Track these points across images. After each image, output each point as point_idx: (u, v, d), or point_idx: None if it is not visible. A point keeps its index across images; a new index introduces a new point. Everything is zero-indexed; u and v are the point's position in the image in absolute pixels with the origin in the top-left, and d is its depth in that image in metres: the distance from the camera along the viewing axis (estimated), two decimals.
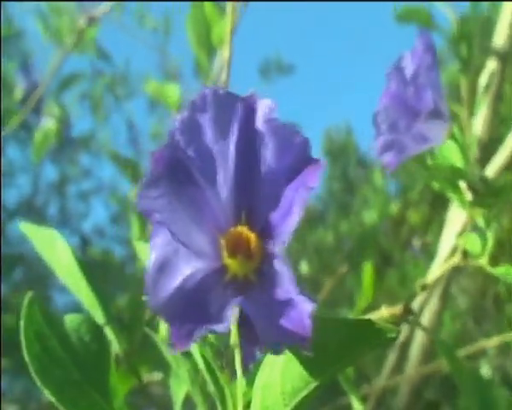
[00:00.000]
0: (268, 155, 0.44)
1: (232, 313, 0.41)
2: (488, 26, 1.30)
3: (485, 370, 3.02)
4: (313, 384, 0.45)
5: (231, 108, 0.45)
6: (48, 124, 1.61)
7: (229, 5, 0.99)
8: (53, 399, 0.52)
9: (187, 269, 0.44)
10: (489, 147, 1.27)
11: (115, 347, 0.72)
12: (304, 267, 3.83)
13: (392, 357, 1.40)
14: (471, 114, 1.24)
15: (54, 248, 0.71)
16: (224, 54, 1.01)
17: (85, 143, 2.71)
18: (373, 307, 0.72)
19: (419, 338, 1.33)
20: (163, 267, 0.44)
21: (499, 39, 1.23)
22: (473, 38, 1.20)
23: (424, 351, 1.32)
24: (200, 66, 1.23)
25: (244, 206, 0.45)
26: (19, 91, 1.65)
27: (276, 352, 0.42)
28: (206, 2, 1.21)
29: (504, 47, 1.23)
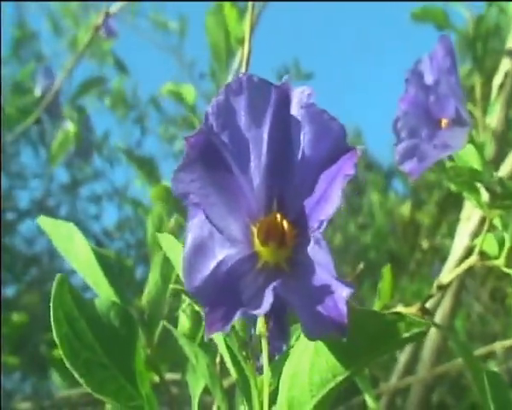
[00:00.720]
0: (303, 141, 0.44)
1: (269, 299, 0.41)
2: (502, 27, 1.30)
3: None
4: (342, 377, 0.45)
5: (266, 94, 0.45)
6: (68, 127, 1.62)
7: (249, 6, 1.00)
8: (81, 380, 0.53)
9: (221, 254, 0.44)
10: (503, 146, 1.28)
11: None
12: None
13: (403, 357, 1.40)
14: (485, 113, 1.25)
15: (72, 243, 0.71)
16: (242, 54, 1.01)
17: (99, 145, 2.72)
18: (387, 306, 0.73)
19: (431, 339, 1.33)
20: (198, 250, 0.44)
21: None
22: (488, 38, 1.21)
23: (436, 352, 1.32)
24: (218, 67, 1.24)
25: (277, 193, 0.45)
26: (35, 94, 1.66)
27: (313, 337, 0.42)
28: (225, 4, 1.22)
29: None
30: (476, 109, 1.25)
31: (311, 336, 0.42)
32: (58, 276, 0.54)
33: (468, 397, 2.54)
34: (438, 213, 3.36)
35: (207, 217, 0.44)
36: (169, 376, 1.19)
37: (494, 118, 1.26)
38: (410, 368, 1.40)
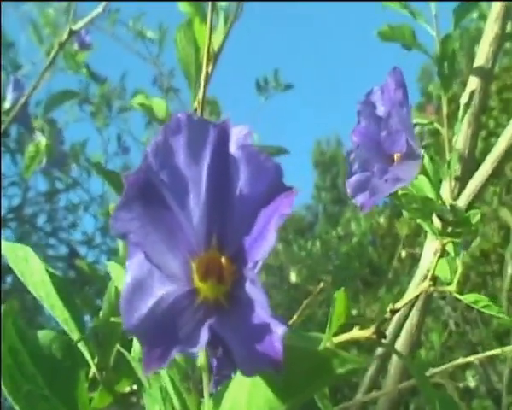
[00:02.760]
0: (241, 180, 0.45)
1: (205, 336, 0.42)
2: (470, 43, 1.32)
3: (471, 381, 3.03)
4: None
5: (204, 133, 0.46)
6: (39, 139, 1.62)
7: (208, 18, 1.00)
8: None
9: (160, 291, 0.44)
10: (469, 164, 1.29)
11: (90, 364, 0.73)
12: (292, 277, 3.83)
13: (370, 372, 1.41)
14: (452, 131, 1.27)
15: (27, 266, 0.71)
16: (204, 71, 1.02)
17: (76, 155, 2.72)
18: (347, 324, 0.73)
19: (395, 358, 1.34)
20: (137, 288, 0.44)
21: (481, 57, 1.25)
22: (455, 58, 1.22)
23: (402, 366, 1.33)
24: (188, 82, 1.24)
25: (215, 230, 0.46)
26: (7, 102, 1.66)
27: (248, 375, 0.43)
28: (194, 20, 1.22)
29: (486, 65, 1.25)
30: (443, 128, 1.26)
31: (247, 373, 0.43)
32: (3, 308, 0.55)
33: None
34: (415, 222, 3.37)
35: (146, 256, 0.44)
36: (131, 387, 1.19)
37: (460, 137, 1.27)
38: (376, 383, 1.41)
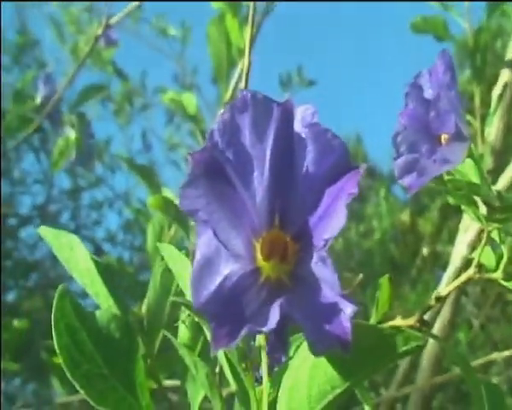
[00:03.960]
0: (307, 158, 0.45)
1: (276, 315, 0.42)
2: (502, 37, 1.31)
3: (494, 380, 3.02)
4: (340, 389, 0.46)
5: (269, 111, 0.46)
6: (69, 134, 1.62)
7: (249, 17, 1.00)
8: (81, 391, 0.54)
9: (225, 269, 0.45)
10: (502, 157, 1.28)
11: None
12: None
13: (402, 367, 1.41)
14: (484, 124, 1.26)
15: (72, 253, 0.71)
16: (243, 64, 1.02)
17: (100, 152, 2.73)
18: (386, 316, 0.73)
19: (430, 348, 1.33)
20: (205, 266, 0.44)
21: None
22: (487, 50, 1.22)
23: (435, 360, 1.32)
24: (219, 76, 1.25)
25: (278, 209, 0.46)
26: (36, 100, 1.66)
27: (318, 354, 0.43)
28: (226, 14, 1.23)
29: None
30: (475, 120, 1.25)
31: (316, 353, 0.43)
32: (60, 287, 0.55)
33: (469, 404, 2.55)
34: (439, 219, 3.36)
35: (214, 233, 0.45)
36: (168, 382, 1.19)
37: (493, 129, 1.26)
38: (409, 377, 1.40)
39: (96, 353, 0.56)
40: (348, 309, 0.41)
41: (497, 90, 1.24)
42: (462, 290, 1.34)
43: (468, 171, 0.67)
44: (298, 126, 0.45)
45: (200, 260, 0.45)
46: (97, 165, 2.82)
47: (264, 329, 0.42)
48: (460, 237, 1.29)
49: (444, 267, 1.36)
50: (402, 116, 0.68)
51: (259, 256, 0.46)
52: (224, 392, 0.68)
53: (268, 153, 0.46)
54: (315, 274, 0.43)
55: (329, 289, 0.42)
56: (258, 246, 0.46)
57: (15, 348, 1.66)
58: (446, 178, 0.66)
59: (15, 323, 1.62)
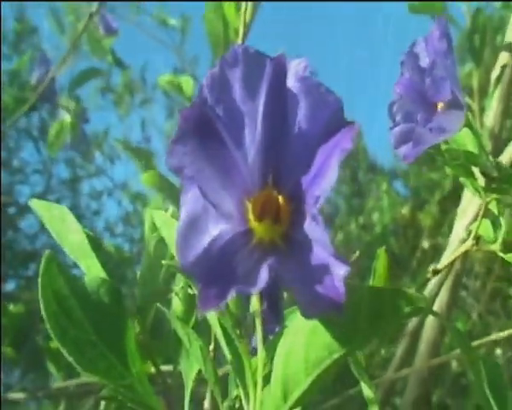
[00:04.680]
0: (299, 115, 0.43)
1: (264, 276, 0.41)
2: (501, 21, 1.30)
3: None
4: (338, 354, 0.45)
5: (261, 66, 0.44)
6: (63, 118, 1.62)
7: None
8: (70, 358, 0.52)
9: (215, 229, 0.43)
10: (500, 140, 1.27)
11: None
12: None
13: (401, 349, 1.40)
14: (482, 107, 1.25)
15: (64, 225, 0.70)
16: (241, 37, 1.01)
17: (99, 141, 2.72)
18: None
19: (428, 332, 1.33)
20: (193, 226, 0.43)
21: (511, 33, 1.24)
22: (486, 31, 1.21)
23: (433, 345, 1.32)
24: (215, 56, 1.24)
25: (272, 168, 0.44)
26: (32, 81, 1.66)
27: (310, 317, 0.42)
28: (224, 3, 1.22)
29: None
30: (473, 103, 1.25)
31: (308, 315, 0.42)
32: (46, 253, 0.54)
33: (468, 397, 2.54)
34: (439, 213, 3.35)
35: (202, 191, 0.43)
36: (164, 368, 1.18)
37: (491, 112, 1.25)
38: (406, 362, 1.39)
39: (84, 319, 0.55)
40: (341, 270, 0.40)
41: (495, 73, 1.23)
42: (460, 279, 1.32)
43: (466, 141, 0.67)
44: (291, 81, 0.44)
45: (187, 218, 0.43)
46: (96, 155, 2.82)
47: (254, 289, 0.41)
48: (457, 220, 1.29)
49: None
50: (397, 85, 0.67)
51: (251, 217, 0.45)
52: (220, 372, 0.67)
53: (260, 109, 0.44)
54: (307, 235, 0.42)
55: (321, 250, 0.41)
56: (249, 206, 0.45)
57: (14, 333, 1.65)
58: (443, 147, 0.65)
59: (11, 308, 1.62)
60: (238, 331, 0.51)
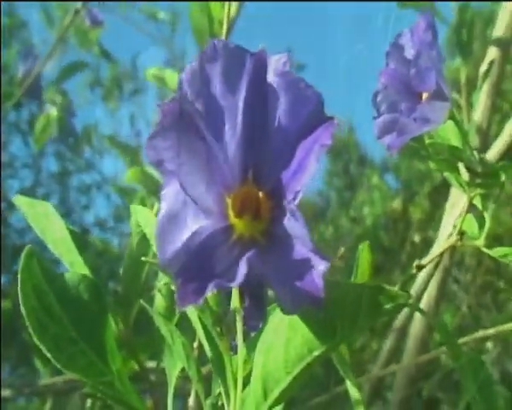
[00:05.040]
0: (279, 110, 0.43)
1: (243, 270, 0.40)
2: (489, 15, 1.30)
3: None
4: (318, 352, 0.45)
5: (241, 61, 0.44)
6: (49, 111, 1.61)
7: None
8: (49, 355, 0.52)
9: (194, 225, 0.43)
10: (488, 136, 1.27)
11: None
12: None
13: (388, 345, 1.40)
14: (470, 102, 1.25)
15: (47, 222, 0.70)
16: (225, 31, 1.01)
17: (88, 136, 2.71)
18: None
19: (416, 326, 1.32)
20: (172, 220, 0.43)
21: (500, 28, 1.23)
22: (473, 26, 1.20)
23: (421, 342, 1.31)
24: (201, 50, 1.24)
25: (252, 164, 0.44)
26: (18, 75, 1.65)
27: (289, 312, 0.42)
28: None
29: (505, 36, 1.22)
30: (461, 98, 1.24)
31: (288, 311, 0.41)
32: (26, 248, 0.54)
33: (457, 393, 2.54)
34: (429, 206, 3.36)
35: (182, 186, 0.43)
36: (148, 364, 1.18)
37: (479, 108, 1.25)
38: (393, 359, 1.39)
39: (64, 315, 0.54)
40: (320, 265, 0.40)
41: (483, 68, 1.23)
42: (448, 273, 1.32)
43: (450, 134, 0.66)
44: (271, 77, 0.44)
45: (166, 213, 0.43)
46: (86, 149, 2.81)
47: (233, 284, 0.41)
48: (446, 216, 1.28)
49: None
50: (382, 75, 0.67)
51: (231, 213, 0.44)
52: (204, 370, 0.67)
53: (240, 105, 0.44)
54: (287, 230, 0.42)
55: (301, 246, 0.41)
56: (230, 202, 0.44)
57: (2, 329, 1.65)
58: (427, 141, 0.65)
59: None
60: (219, 329, 0.50)
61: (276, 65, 0.44)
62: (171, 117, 0.43)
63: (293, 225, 0.41)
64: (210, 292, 0.40)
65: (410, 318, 1.33)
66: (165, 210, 0.43)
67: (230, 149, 0.44)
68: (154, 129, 0.43)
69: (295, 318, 0.45)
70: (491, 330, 1.19)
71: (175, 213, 0.43)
